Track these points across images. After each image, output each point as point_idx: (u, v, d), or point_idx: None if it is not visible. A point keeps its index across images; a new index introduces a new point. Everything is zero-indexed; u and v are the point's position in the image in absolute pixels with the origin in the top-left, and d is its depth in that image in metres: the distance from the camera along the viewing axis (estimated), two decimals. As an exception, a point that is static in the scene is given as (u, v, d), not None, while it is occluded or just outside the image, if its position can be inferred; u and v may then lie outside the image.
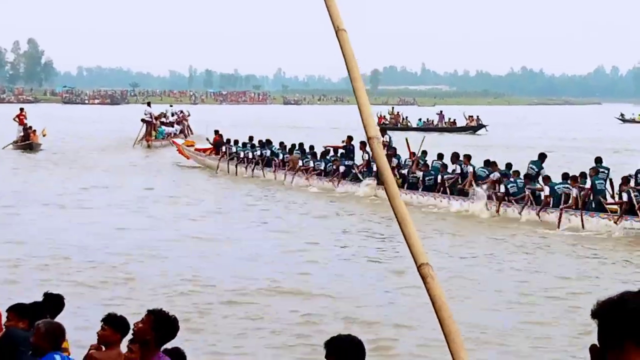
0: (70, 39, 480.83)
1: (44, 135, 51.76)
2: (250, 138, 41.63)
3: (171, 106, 61.60)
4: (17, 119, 52.74)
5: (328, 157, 35.54)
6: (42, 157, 47.68)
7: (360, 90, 3.49)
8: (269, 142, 39.71)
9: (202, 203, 31.05)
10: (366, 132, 3.44)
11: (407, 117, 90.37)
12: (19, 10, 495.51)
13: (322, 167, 34.88)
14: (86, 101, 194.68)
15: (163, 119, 55.09)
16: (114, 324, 7.93)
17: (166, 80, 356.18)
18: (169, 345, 7.10)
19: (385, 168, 3.50)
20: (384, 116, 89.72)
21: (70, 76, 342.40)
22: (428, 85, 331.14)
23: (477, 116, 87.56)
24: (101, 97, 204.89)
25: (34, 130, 52.19)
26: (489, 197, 28.08)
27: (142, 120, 55.73)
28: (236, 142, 41.55)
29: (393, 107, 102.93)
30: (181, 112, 57.75)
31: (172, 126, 53.35)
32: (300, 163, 36.15)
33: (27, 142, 51.15)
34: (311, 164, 35.77)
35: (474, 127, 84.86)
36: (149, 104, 59.22)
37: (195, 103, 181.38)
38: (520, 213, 27.16)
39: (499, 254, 21.66)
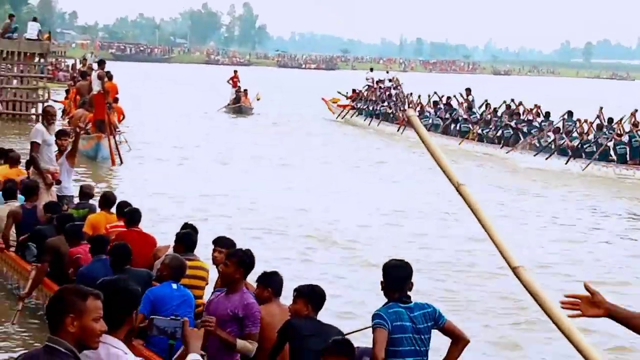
0: (284, 4, 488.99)
1: (258, 99, 51.78)
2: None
3: (387, 72, 61.48)
4: (230, 82, 53.42)
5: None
6: (251, 121, 48.18)
7: (500, 245, 4.13)
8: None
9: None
10: (509, 264, 4.06)
11: None
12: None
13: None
14: (302, 65, 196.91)
15: (381, 85, 55.06)
16: (223, 245, 9.33)
17: (376, 47, 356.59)
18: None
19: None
20: None
21: (283, 41, 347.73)
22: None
23: None
24: (316, 62, 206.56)
25: (247, 94, 52.63)
26: None
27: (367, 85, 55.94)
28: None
29: None
30: (396, 78, 57.51)
31: (389, 91, 53.00)
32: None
33: (237, 105, 51.62)
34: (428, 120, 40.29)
35: None
36: (371, 69, 59.84)
37: (404, 70, 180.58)
38: None
39: None
